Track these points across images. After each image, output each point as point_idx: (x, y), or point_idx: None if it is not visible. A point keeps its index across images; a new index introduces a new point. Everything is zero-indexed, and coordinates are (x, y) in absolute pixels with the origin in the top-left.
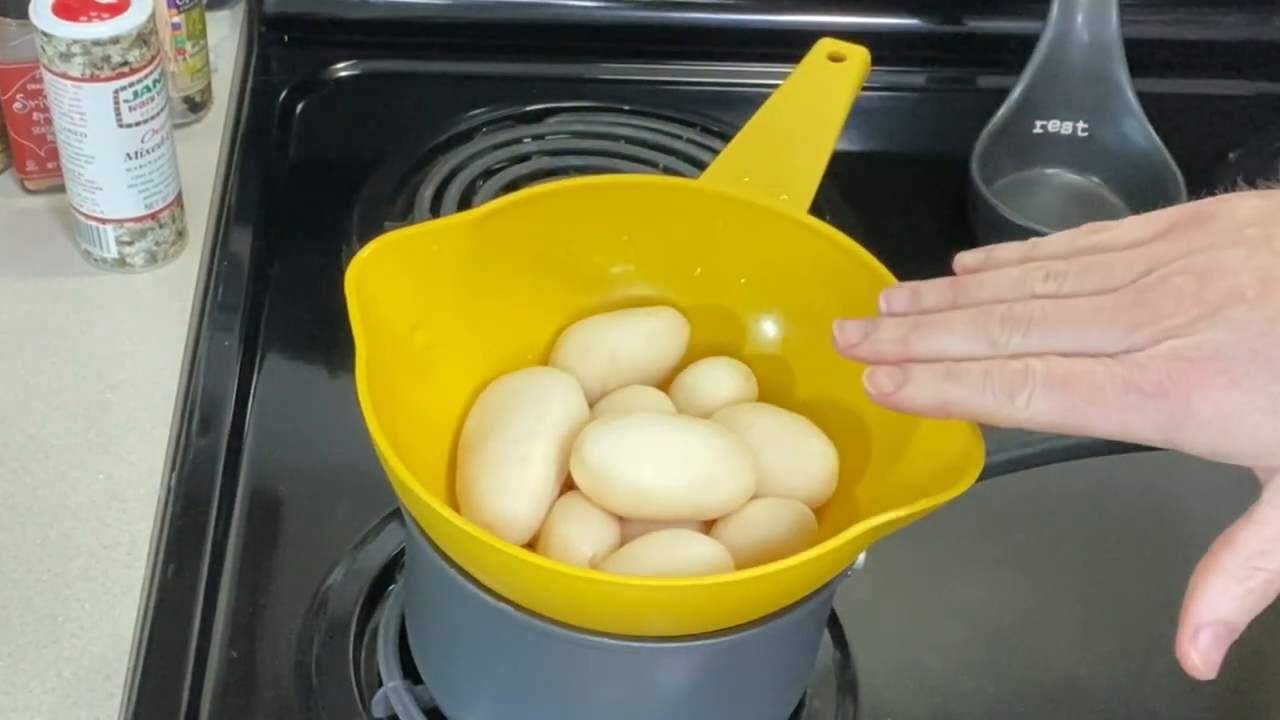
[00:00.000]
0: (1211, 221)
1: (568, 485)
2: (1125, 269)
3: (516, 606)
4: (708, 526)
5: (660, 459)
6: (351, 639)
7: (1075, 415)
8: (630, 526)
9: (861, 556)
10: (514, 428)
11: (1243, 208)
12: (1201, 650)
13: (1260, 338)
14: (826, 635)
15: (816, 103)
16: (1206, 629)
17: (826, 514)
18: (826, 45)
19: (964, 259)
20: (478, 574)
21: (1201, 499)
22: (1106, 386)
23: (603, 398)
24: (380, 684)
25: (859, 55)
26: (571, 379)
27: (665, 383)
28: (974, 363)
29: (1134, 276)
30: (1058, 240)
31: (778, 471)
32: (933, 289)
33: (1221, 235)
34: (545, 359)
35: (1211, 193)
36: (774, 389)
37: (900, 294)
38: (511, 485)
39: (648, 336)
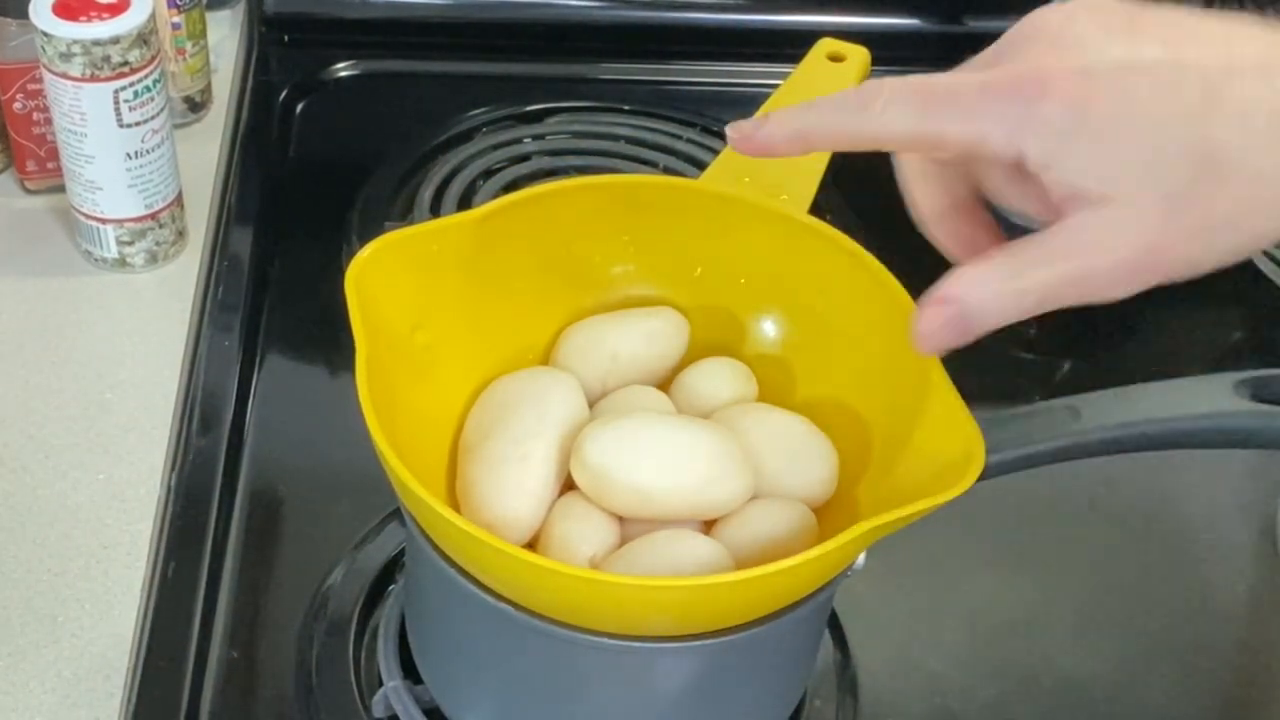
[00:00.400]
0: (1029, 39)
1: (568, 485)
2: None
3: (516, 606)
4: (708, 526)
5: (660, 459)
6: (351, 639)
7: (928, 120)
8: (630, 526)
9: (861, 556)
10: (514, 428)
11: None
12: (930, 322)
13: (1118, 67)
14: (826, 635)
15: None
16: (950, 305)
17: (826, 514)
18: (826, 45)
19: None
20: (478, 574)
21: (1201, 499)
22: (959, 87)
23: (603, 398)
24: (380, 684)
25: (859, 55)
26: (572, 379)
27: (665, 383)
28: (834, 93)
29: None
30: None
31: (778, 471)
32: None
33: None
34: (545, 359)
35: None
36: (774, 389)
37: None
38: (511, 485)
39: (648, 336)
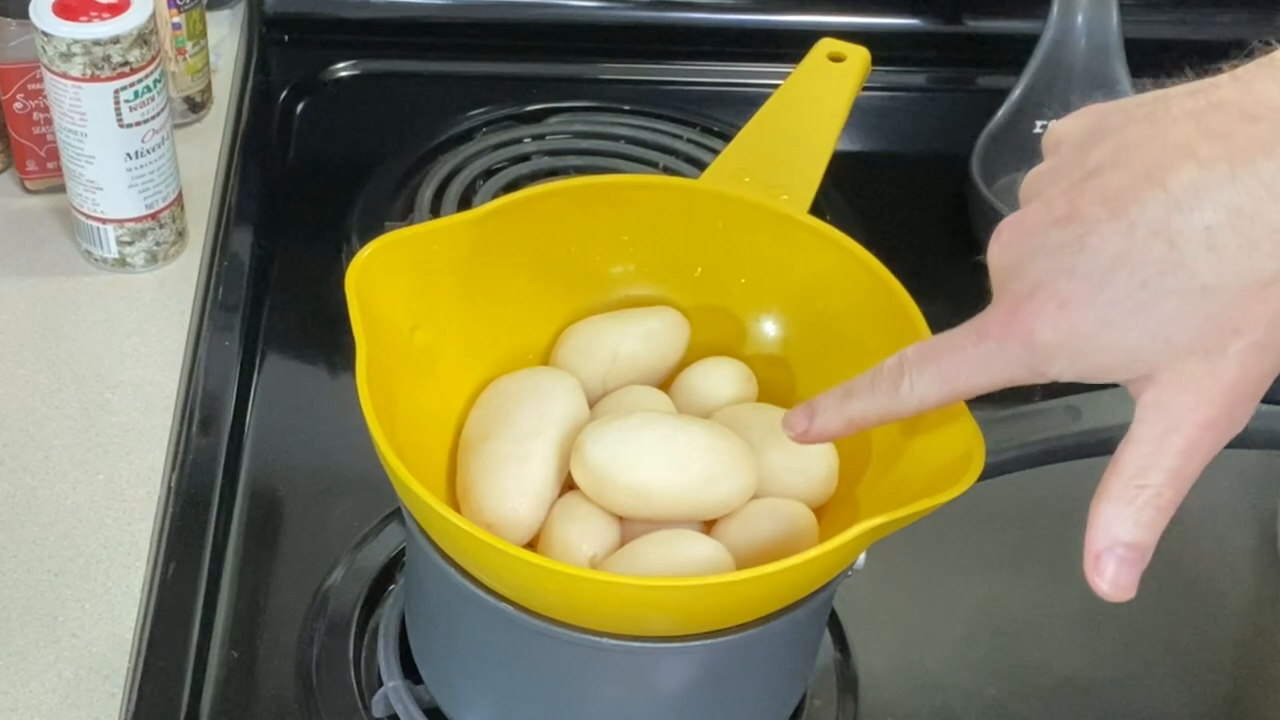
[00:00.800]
0: (1055, 150)
1: (568, 485)
2: None
3: (516, 606)
4: (708, 526)
5: (661, 458)
6: (351, 639)
7: (953, 381)
8: (630, 526)
9: (861, 556)
10: (514, 427)
11: (1070, 128)
12: (1108, 576)
13: (1073, 256)
14: (826, 635)
15: (817, 103)
16: (1107, 554)
17: (826, 514)
18: (827, 45)
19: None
20: (478, 574)
21: (1201, 499)
22: (963, 344)
23: (603, 397)
24: (380, 684)
25: (859, 55)
26: (572, 379)
27: (665, 383)
28: (862, 376)
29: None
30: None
31: (778, 471)
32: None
33: (1058, 163)
34: (545, 359)
35: None
36: (774, 389)
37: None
38: (512, 485)
39: (648, 336)
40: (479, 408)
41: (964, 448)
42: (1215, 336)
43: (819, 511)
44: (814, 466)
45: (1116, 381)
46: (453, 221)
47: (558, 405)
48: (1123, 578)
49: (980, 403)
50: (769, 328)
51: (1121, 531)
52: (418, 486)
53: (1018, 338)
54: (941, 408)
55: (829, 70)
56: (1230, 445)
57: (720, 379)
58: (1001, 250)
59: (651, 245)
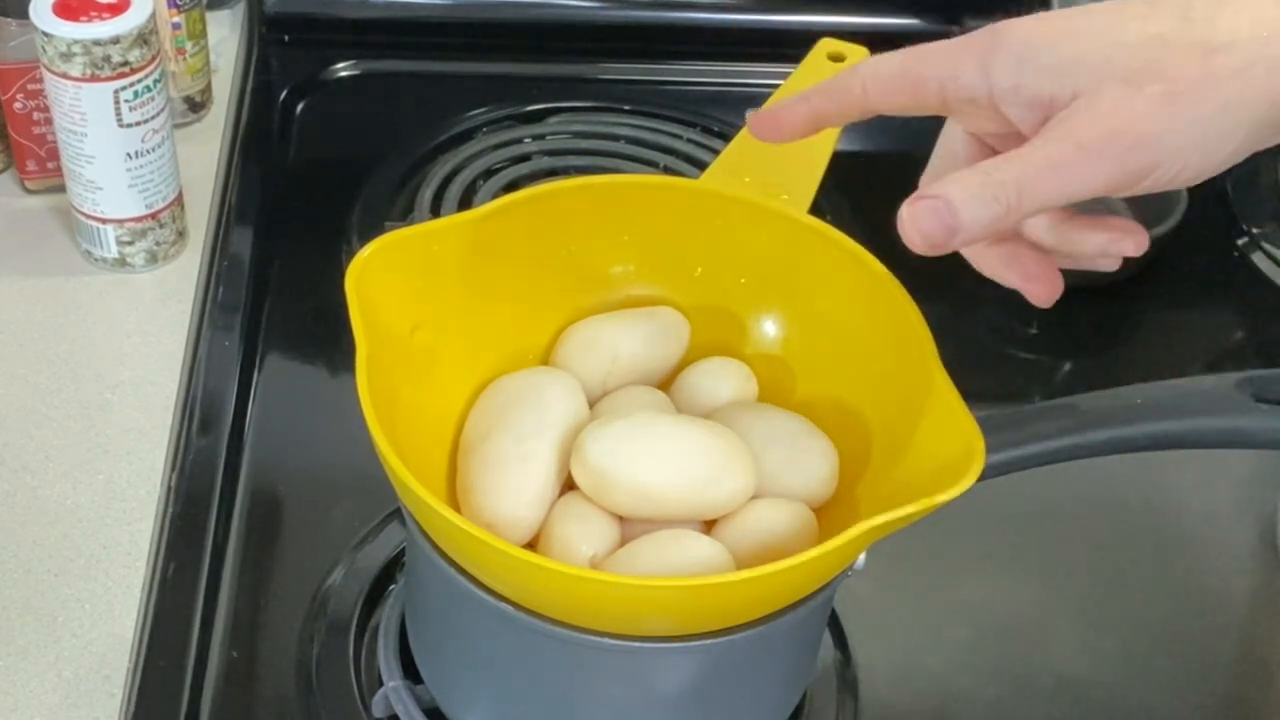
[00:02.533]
0: None
1: (568, 485)
2: None
3: (516, 606)
4: (708, 526)
5: (662, 458)
6: (351, 639)
7: (910, 67)
8: (630, 527)
9: (861, 556)
10: (514, 428)
11: None
12: (918, 214)
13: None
14: (826, 635)
15: None
16: (928, 200)
17: (826, 514)
18: (827, 45)
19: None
20: (478, 574)
21: (1202, 499)
22: (937, 45)
23: (603, 397)
24: (380, 684)
25: (859, 55)
26: (571, 379)
27: (665, 383)
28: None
29: None
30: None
31: (778, 471)
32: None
33: None
34: (545, 359)
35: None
36: (774, 389)
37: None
38: (512, 485)
39: (648, 336)
40: (479, 408)
41: (964, 448)
42: (1143, 74)
43: (819, 511)
44: (814, 466)
45: (1039, 113)
46: (453, 221)
47: (557, 405)
48: (926, 223)
49: (980, 403)
50: (769, 328)
51: (953, 191)
52: (418, 486)
53: (992, 35)
54: (887, 101)
55: (829, 70)
56: (1230, 445)
57: (720, 379)
58: None
59: (652, 245)
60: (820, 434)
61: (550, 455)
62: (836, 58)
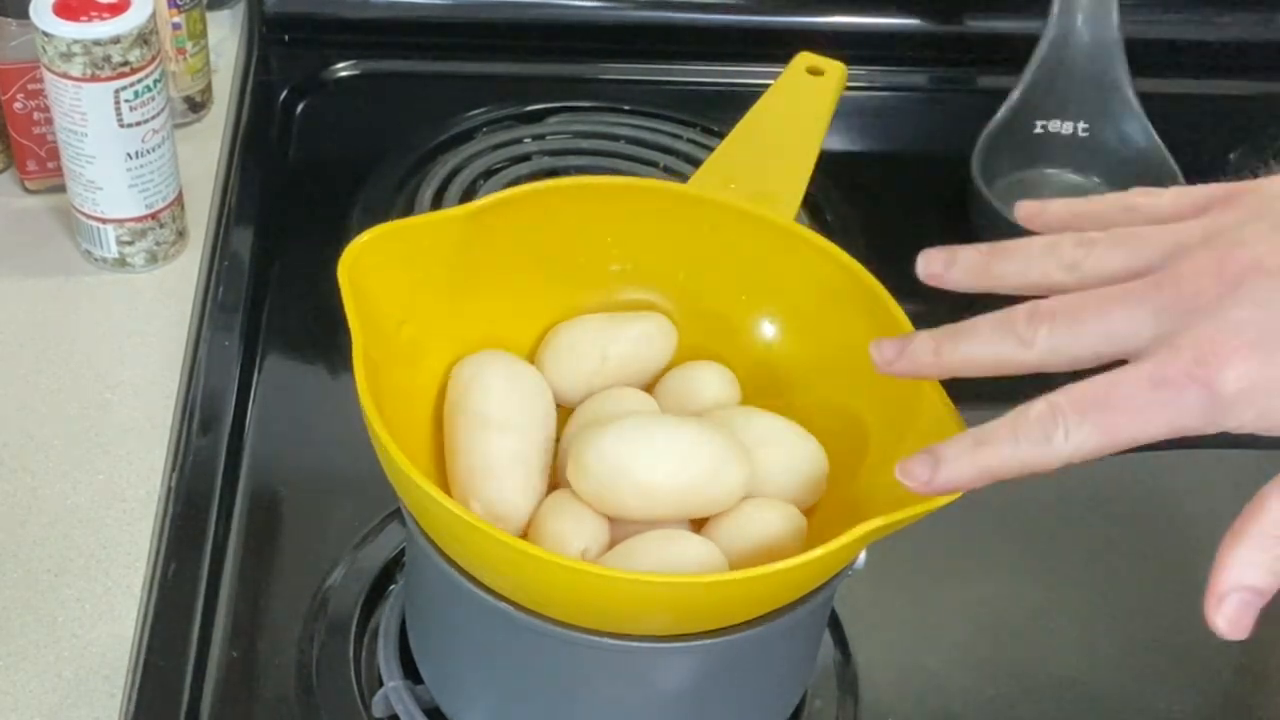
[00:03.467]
0: (1243, 198)
1: (552, 485)
2: (1154, 246)
3: (516, 606)
4: (697, 526)
5: (662, 458)
6: (351, 639)
7: (1117, 432)
8: (620, 526)
9: (861, 556)
10: (495, 423)
11: (1276, 185)
12: (1227, 616)
13: (1276, 307)
14: (826, 635)
15: (798, 114)
16: (1233, 595)
17: (819, 515)
18: (805, 59)
19: (1023, 207)
20: (477, 571)
21: (1202, 499)
22: (1135, 392)
23: (589, 397)
24: (380, 684)
25: (836, 70)
26: (535, 371)
27: (649, 386)
28: (998, 422)
29: (1160, 255)
30: (1104, 200)
31: (769, 471)
32: (966, 253)
33: (1248, 211)
34: (532, 357)
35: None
36: (763, 392)
37: (937, 256)
38: (495, 480)
39: (638, 339)
40: (456, 403)
41: None
42: None
43: (816, 511)
44: (805, 466)
45: None
46: (445, 216)
47: (539, 399)
48: (1243, 619)
49: (980, 403)
50: (756, 332)
51: (1251, 577)
52: (416, 474)
53: (1203, 386)
54: (1097, 457)
55: (808, 84)
56: (1230, 445)
57: (705, 382)
58: (1197, 290)
59: (640, 247)
60: (809, 436)
61: (534, 450)
62: (815, 71)
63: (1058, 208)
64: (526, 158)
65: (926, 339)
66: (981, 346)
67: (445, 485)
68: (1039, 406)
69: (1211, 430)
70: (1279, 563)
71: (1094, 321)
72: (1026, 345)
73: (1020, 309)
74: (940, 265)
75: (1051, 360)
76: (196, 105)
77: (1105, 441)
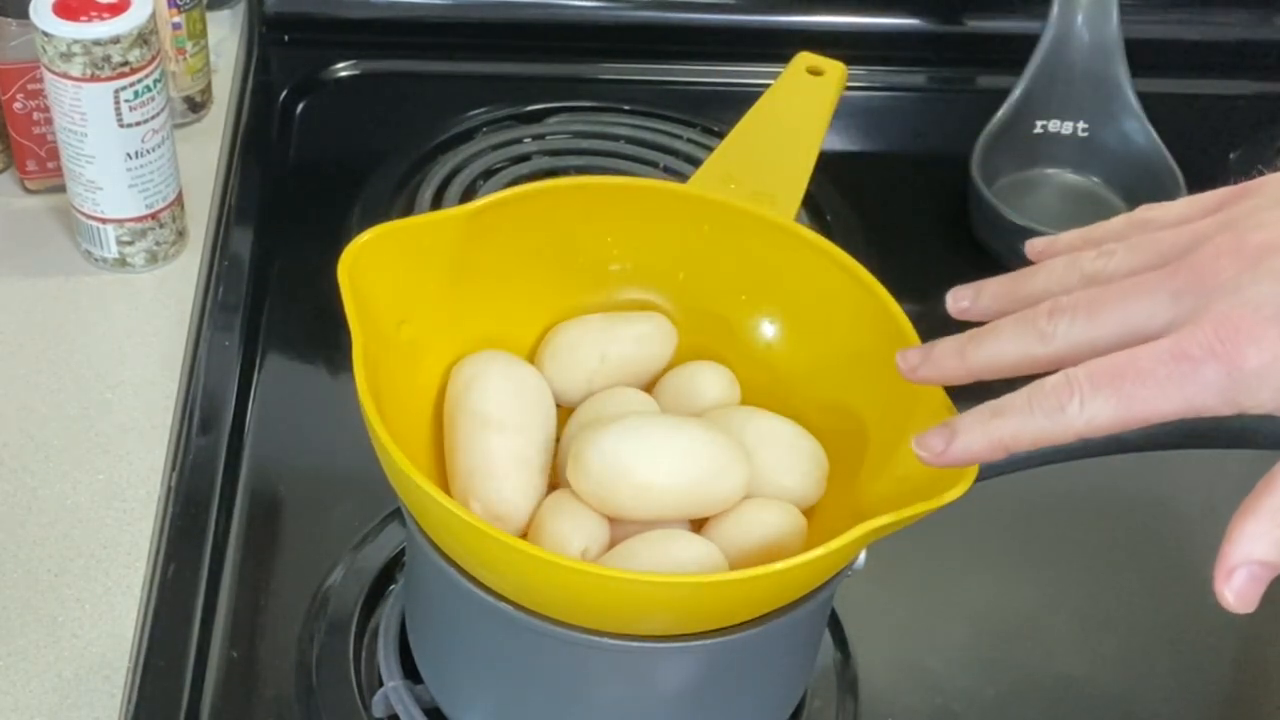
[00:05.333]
0: (1259, 188)
1: (552, 485)
2: (1171, 244)
3: (516, 606)
4: (696, 527)
5: (663, 458)
6: (351, 639)
7: (1133, 404)
8: (621, 526)
9: (861, 556)
10: (495, 422)
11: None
12: (1236, 589)
13: None
14: (826, 635)
15: (798, 114)
16: (1242, 569)
17: (823, 514)
18: (805, 59)
19: (1033, 244)
20: (477, 571)
21: (1202, 499)
22: (1154, 365)
23: (589, 397)
24: (380, 684)
25: (836, 70)
26: (536, 372)
27: (649, 386)
28: (1014, 394)
29: (1179, 251)
30: (1113, 222)
31: (767, 472)
32: (992, 284)
33: (1265, 198)
34: (532, 357)
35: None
36: (762, 392)
37: (965, 291)
38: (494, 481)
39: (638, 339)
40: (456, 403)
41: None
42: None
43: (816, 511)
44: (805, 465)
45: None
46: (444, 216)
47: (539, 399)
48: (1250, 592)
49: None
50: (755, 331)
51: (1260, 550)
52: (417, 475)
53: (1224, 361)
54: (1110, 433)
55: (808, 84)
56: (1230, 445)
57: (705, 382)
58: (1216, 270)
59: (639, 247)
60: (809, 436)
61: (535, 449)
62: (815, 71)
63: (1069, 237)
64: (526, 158)
65: (950, 343)
66: (1004, 345)
67: (445, 485)
68: (1055, 378)
69: (1227, 410)
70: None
71: (1113, 310)
72: (1047, 339)
73: (1040, 306)
74: (968, 299)
75: (1072, 353)
76: (196, 105)
77: (1120, 414)
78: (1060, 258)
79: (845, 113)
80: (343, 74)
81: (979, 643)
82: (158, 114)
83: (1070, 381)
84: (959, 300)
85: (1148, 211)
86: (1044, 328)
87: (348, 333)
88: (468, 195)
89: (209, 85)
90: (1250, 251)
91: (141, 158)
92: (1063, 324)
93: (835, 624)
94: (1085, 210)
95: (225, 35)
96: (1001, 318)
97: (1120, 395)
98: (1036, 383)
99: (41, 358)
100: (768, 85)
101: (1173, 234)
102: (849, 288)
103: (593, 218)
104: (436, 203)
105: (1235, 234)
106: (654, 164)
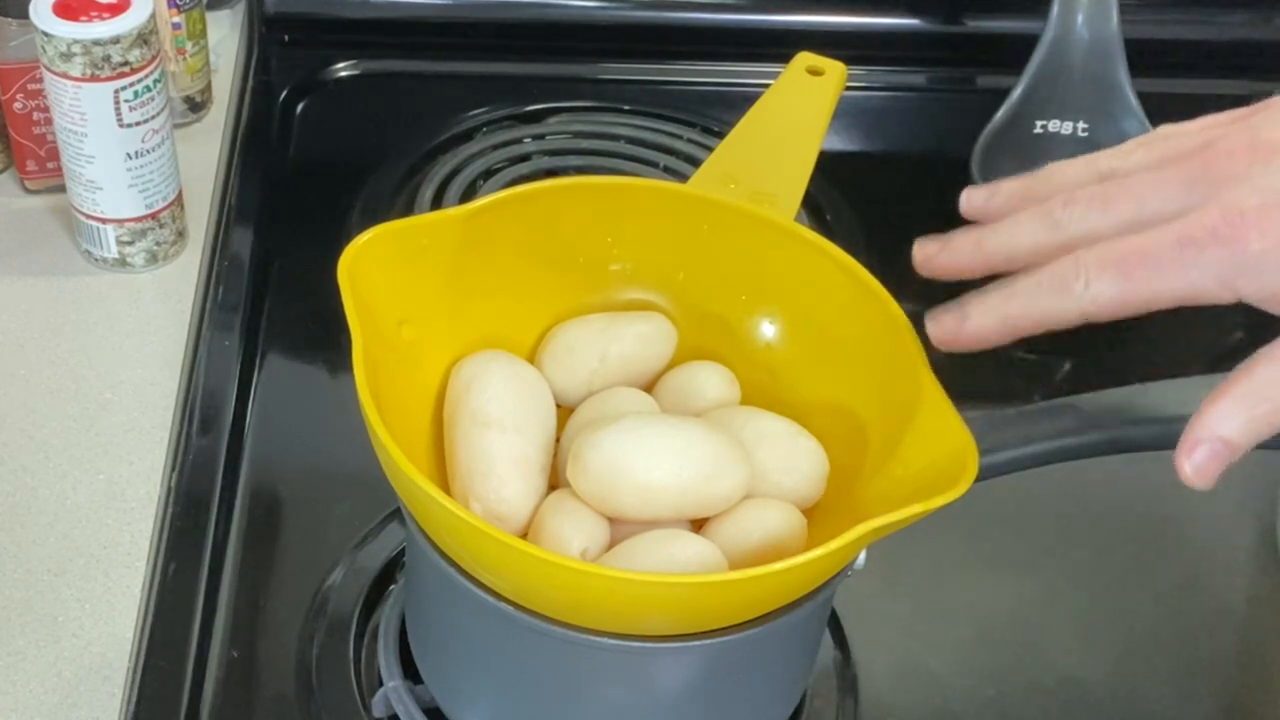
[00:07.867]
0: (1273, 105)
1: (552, 485)
2: (1187, 144)
3: (516, 606)
4: (696, 526)
5: (662, 458)
6: (351, 639)
7: (1136, 285)
8: (621, 526)
9: (861, 556)
10: (495, 422)
11: None
12: (1196, 462)
13: None
14: (826, 635)
15: (798, 114)
16: (1204, 444)
17: (823, 514)
18: (805, 59)
19: (971, 194)
20: (477, 571)
21: (1202, 500)
22: (1160, 248)
23: (588, 397)
24: (380, 684)
25: (836, 70)
26: (536, 372)
27: (649, 386)
28: (1025, 275)
29: (1194, 149)
30: (1074, 164)
31: (767, 472)
32: (1008, 182)
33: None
34: (531, 357)
35: None
36: (762, 393)
37: (979, 191)
38: (494, 481)
39: (637, 339)
40: (456, 403)
41: (958, 451)
42: None
43: (816, 512)
44: (805, 465)
45: None
46: (444, 216)
47: (540, 399)
48: (1209, 468)
49: (979, 403)
50: (755, 331)
51: (1227, 428)
52: (416, 475)
53: (1229, 245)
54: (1109, 316)
55: (808, 84)
56: None
57: (704, 382)
58: (1230, 163)
59: (640, 247)
60: (808, 435)
61: (536, 450)
62: (815, 71)
63: (1011, 185)
64: (526, 158)
65: (968, 232)
66: (1020, 234)
67: (445, 485)
68: (1065, 260)
69: (1227, 296)
70: (1258, 422)
71: (1126, 201)
72: (1060, 228)
73: (1056, 198)
74: (983, 198)
75: (1085, 242)
76: (196, 105)
77: (1123, 295)
78: (1079, 157)
79: (845, 113)
80: (343, 74)
81: (979, 642)
82: (158, 114)
83: (1077, 263)
84: (973, 199)
85: (1163, 129)
86: (1058, 217)
87: (348, 333)
88: (468, 195)
89: (209, 85)
90: (1264, 146)
91: (141, 158)
92: (1076, 213)
93: (835, 624)
94: None
95: (225, 35)
96: (1018, 213)
97: (1124, 276)
98: (1048, 266)
99: (41, 358)
100: (768, 85)
101: (1188, 137)
102: (849, 288)
103: (593, 218)
104: (436, 203)
105: (1251, 132)
106: (654, 164)
